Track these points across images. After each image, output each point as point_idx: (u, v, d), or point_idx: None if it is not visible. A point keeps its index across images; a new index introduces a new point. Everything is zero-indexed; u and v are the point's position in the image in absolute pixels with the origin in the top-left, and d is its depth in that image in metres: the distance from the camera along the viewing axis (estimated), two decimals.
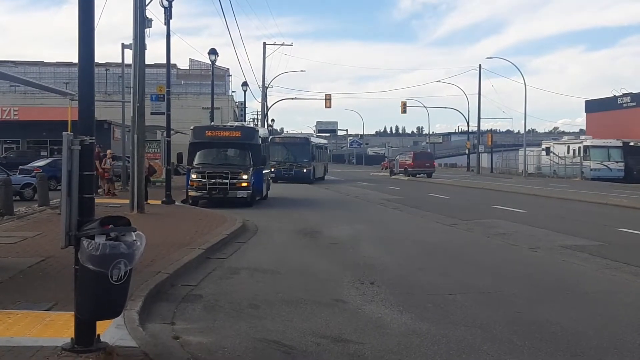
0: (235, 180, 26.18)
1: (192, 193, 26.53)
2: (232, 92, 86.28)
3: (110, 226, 6.53)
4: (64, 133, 6.79)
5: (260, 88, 65.17)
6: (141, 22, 21.72)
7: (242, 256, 14.45)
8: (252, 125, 31.02)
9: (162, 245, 13.75)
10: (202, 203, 26.33)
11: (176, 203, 25.83)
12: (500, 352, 7.52)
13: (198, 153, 27.71)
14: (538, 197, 35.64)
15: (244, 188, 26.35)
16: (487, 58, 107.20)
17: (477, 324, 8.69)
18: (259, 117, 69.36)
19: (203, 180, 26.16)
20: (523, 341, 7.93)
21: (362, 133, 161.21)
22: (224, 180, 26.09)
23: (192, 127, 29.51)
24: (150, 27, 22.42)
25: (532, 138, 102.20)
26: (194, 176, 26.43)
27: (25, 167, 37.10)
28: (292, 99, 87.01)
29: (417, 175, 63.36)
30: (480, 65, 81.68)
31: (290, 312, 9.26)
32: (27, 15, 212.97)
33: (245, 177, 26.50)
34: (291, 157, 49.92)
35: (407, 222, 22.29)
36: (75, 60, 7.16)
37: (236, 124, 29.79)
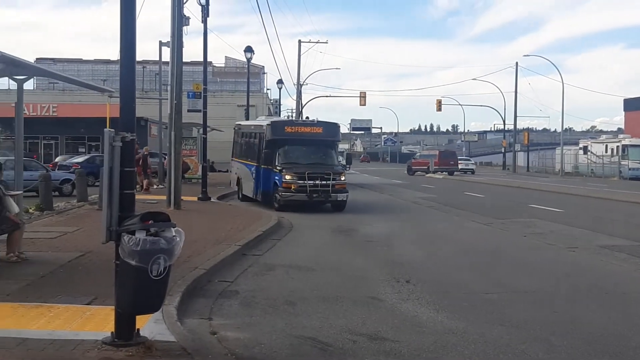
0: (335, 182, 23.69)
1: (286, 196, 23.27)
2: (267, 89, 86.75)
3: (150, 222, 6.62)
4: (105, 130, 6.89)
5: (295, 85, 65.19)
6: (179, 20, 21.90)
7: (277, 253, 14.51)
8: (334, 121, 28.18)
9: (198, 241, 13.87)
10: (290, 206, 23.15)
11: (212, 200, 26.03)
12: (537, 351, 7.47)
13: (280, 151, 24.44)
14: (575, 196, 35.24)
15: (344, 190, 24.07)
16: (525, 56, 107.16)
17: (514, 324, 8.65)
18: (294, 115, 69.43)
19: (301, 182, 23.25)
20: (561, 341, 7.87)
21: (396, 131, 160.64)
22: (326, 182, 23.47)
23: (269, 123, 25.93)
24: (188, 24, 22.62)
25: (569, 137, 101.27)
26: (288, 177, 23.32)
27: (64, 163, 37.73)
28: (326, 96, 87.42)
29: (437, 173, 63.38)
30: (517, 63, 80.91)
31: (326, 309, 9.29)
32: (66, 13, 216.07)
33: (343, 178, 24.33)
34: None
35: (442, 221, 22.19)
36: (113, 57, 7.29)
37: (316, 119, 26.62)
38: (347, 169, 27.19)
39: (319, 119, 26.20)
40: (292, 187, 23.19)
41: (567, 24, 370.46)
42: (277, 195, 23.58)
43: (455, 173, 64.13)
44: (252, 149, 26.91)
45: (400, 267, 12.80)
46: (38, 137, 59.28)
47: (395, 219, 22.21)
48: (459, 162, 69.27)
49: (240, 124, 31.45)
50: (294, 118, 53.97)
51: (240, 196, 27.65)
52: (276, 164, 24.03)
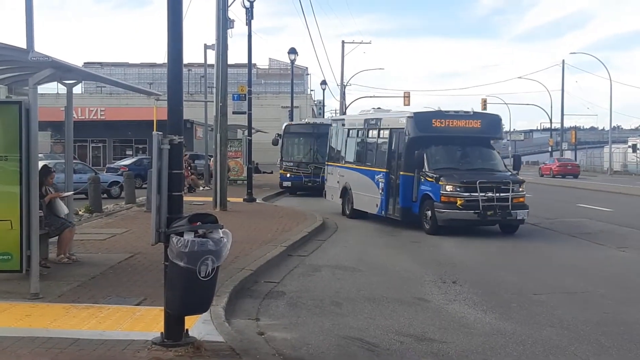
0: (514, 194, 17.82)
1: (447, 214, 17.50)
2: (311, 90, 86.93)
3: (198, 223, 6.70)
4: (154, 133, 6.99)
5: (339, 86, 65.21)
6: (224, 24, 22.06)
7: (323, 254, 14.54)
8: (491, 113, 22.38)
9: (245, 242, 13.96)
10: (451, 229, 17.68)
11: (257, 201, 26.16)
12: (588, 353, 7.39)
13: (428, 152, 18.61)
14: (625, 195, 34.62)
15: (524, 206, 18.21)
16: (571, 53, 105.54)
17: (564, 325, 8.56)
18: (338, 116, 69.52)
19: (467, 194, 17.45)
20: (611, 342, 7.77)
21: None
22: (505, 195, 17.65)
23: (410, 115, 19.51)
24: (233, 27, 22.76)
25: (618, 135, 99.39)
26: (449, 188, 17.52)
27: (112, 165, 38.41)
28: (370, 97, 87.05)
29: None
30: (563, 60, 79.95)
31: (373, 310, 9.30)
32: (112, 17, 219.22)
33: (523, 189, 18.48)
34: (312, 153, 32.00)
35: None
36: (158, 61, 7.39)
37: (472, 110, 20.43)
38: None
39: (474, 110, 20.88)
40: (458, 202, 17.44)
41: (615, 20, 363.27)
42: (430, 212, 17.94)
43: None
44: (375, 150, 21.02)
45: (446, 268, 12.74)
46: (86, 140, 60.41)
47: None
48: None
49: (344, 119, 25.94)
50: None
51: (349, 211, 21.84)
52: (426, 170, 18.34)
